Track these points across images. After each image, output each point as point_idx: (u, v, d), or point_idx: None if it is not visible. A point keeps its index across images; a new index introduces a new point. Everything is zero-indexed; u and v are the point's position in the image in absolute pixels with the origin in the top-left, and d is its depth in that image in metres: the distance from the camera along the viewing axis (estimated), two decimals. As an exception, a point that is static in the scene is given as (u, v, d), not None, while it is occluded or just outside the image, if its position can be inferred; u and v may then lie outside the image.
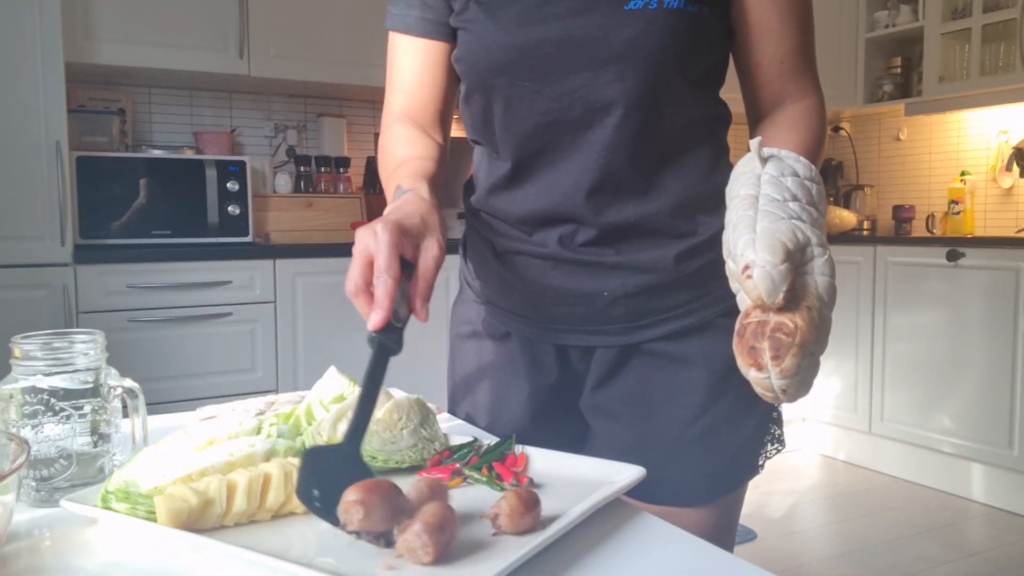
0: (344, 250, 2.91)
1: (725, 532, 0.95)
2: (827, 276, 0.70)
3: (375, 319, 0.66)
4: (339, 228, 3.23)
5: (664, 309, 0.91)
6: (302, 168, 3.31)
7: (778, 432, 0.98)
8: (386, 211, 0.78)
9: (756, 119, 0.93)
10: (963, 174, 3.75)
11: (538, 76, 0.84)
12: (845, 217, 3.94)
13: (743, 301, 0.71)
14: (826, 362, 3.68)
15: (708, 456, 0.91)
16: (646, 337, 0.92)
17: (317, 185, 3.32)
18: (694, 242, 0.90)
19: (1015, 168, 3.56)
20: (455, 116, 1.01)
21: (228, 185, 2.83)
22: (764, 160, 0.78)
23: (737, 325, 0.70)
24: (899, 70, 3.89)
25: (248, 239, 2.88)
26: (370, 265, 0.68)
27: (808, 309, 0.67)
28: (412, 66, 0.96)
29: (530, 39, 0.83)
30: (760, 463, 0.97)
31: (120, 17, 2.72)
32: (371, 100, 3.51)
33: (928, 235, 3.73)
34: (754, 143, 0.77)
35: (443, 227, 0.75)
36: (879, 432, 3.52)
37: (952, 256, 3.20)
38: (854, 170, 4.32)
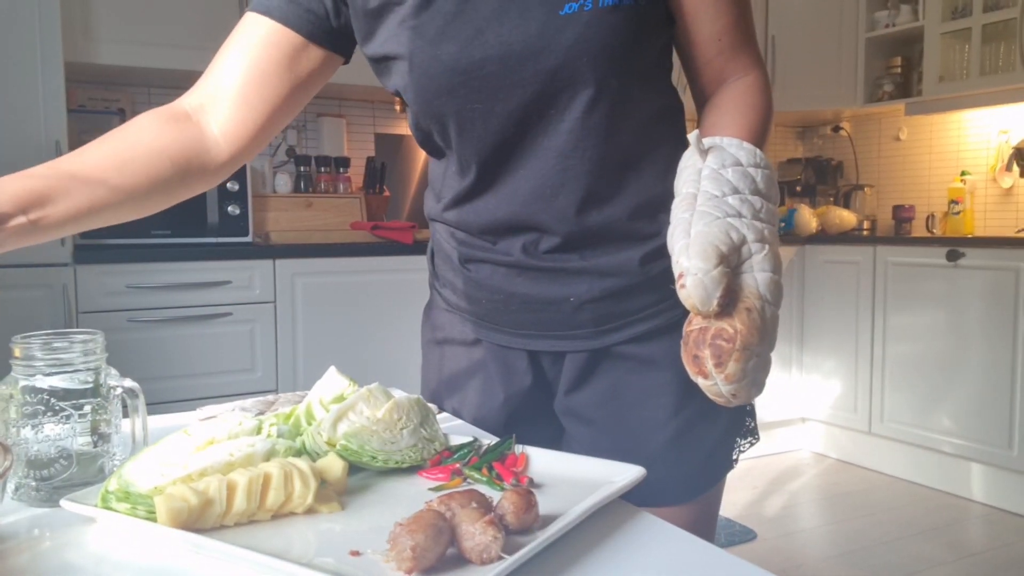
0: (344, 250, 2.92)
1: (706, 527, 0.96)
2: (767, 272, 0.69)
3: None
4: (339, 228, 3.22)
5: (631, 312, 0.90)
6: (302, 168, 3.31)
7: (751, 424, 0.98)
8: None
9: (701, 101, 0.91)
10: (963, 174, 3.75)
11: (487, 96, 0.83)
12: (845, 217, 3.94)
13: (681, 299, 0.69)
14: (825, 362, 3.69)
15: (684, 456, 0.91)
16: (615, 340, 0.91)
17: (317, 185, 3.32)
18: (658, 243, 0.89)
19: (1015, 168, 3.56)
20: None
21: (228, 185, 2.83)
22: (704, 153, 0.76)
23: (683, 332, 0.69)
24: (899, 70, 3.89)
25: (248, 239, 2.88)
26: None
27: (748, 311, 0.66)
28: (247, 50, 0.88)
29: (471, 60, 0.81)
30: (735, 457, 0.97)
31: (120, 17, 2.71)
32: (371, 100, 3.51)
33: (928, 235, 3.73)
34: (692, 137, 0.75)
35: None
36: (879, 432, 3.52)
37: (952, 256, 3.20)
38: (854, 170, 4.32)
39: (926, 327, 3.32)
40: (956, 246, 3.21)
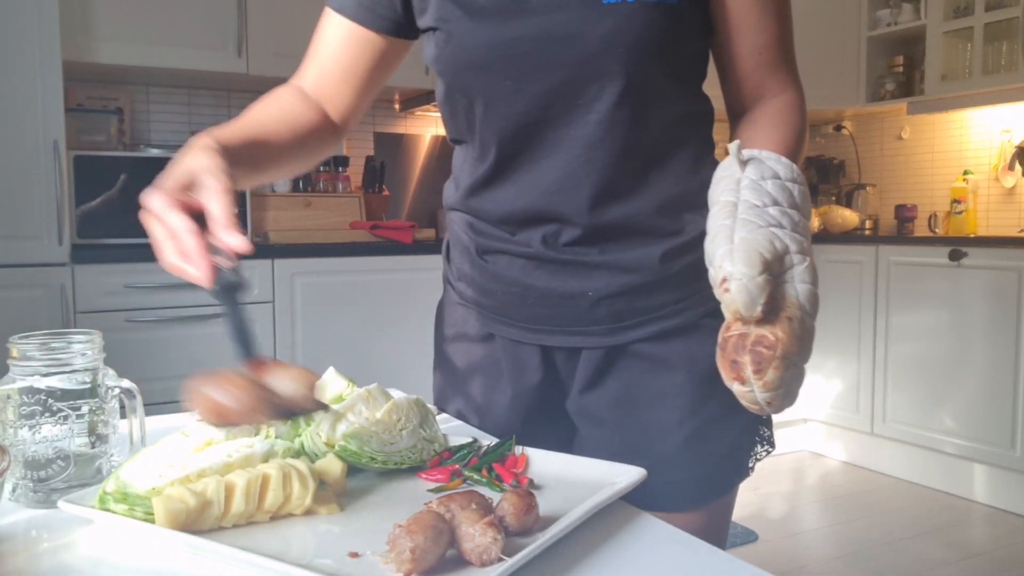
0: (343, 250, 2.92)
1: (716, 535, 0.94)
2: (808, 284, 0.69)
3: (203, 277, 0.68)
4: (338, 228, 3.22)
5: (649, 309, 0.90)
6: (302, 167, 3.30)
7: (767, 433, 0.97)
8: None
9: (736, 115, 0.92)
10: (965, 173, 3.75)
11: (518, 74, 0.84)
12: (847, 216, 3.93)
13: (723, 303, 0.70)
14: (827, 362, 3.68)
15: (697, 460, 0.91)
16: (631, 338, 0.91)
17: (316, 184, 3.32)
18: (680, 241, 0.89)
19: (1018, 167, 3.56)
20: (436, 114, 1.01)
21: (228, 184, 2.83)
22: (744, 163, 0.77)
23: (719, 338, 0.69)
24: (901, 69, 3.89)
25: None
26: (169, 233, 0.69)
27: (789, 320, 0.66)
28: (334, 43, 0.96)
29: (509, 36, 0.83)
30: (750, 465, 0.96)
31: (118, 16, 2.71)
32: (371, 99, 3.50)
33: (930, 235, 3.72)
34: (733, 146, 0.76)
35: (221, 165, 0.73)
36: (881, 433, 3.51)
37: (954, 256, 3.19)
38: (856, 169, 4.32)
39: (928, 327, 3.31)
40: (959, 246, 3.20)
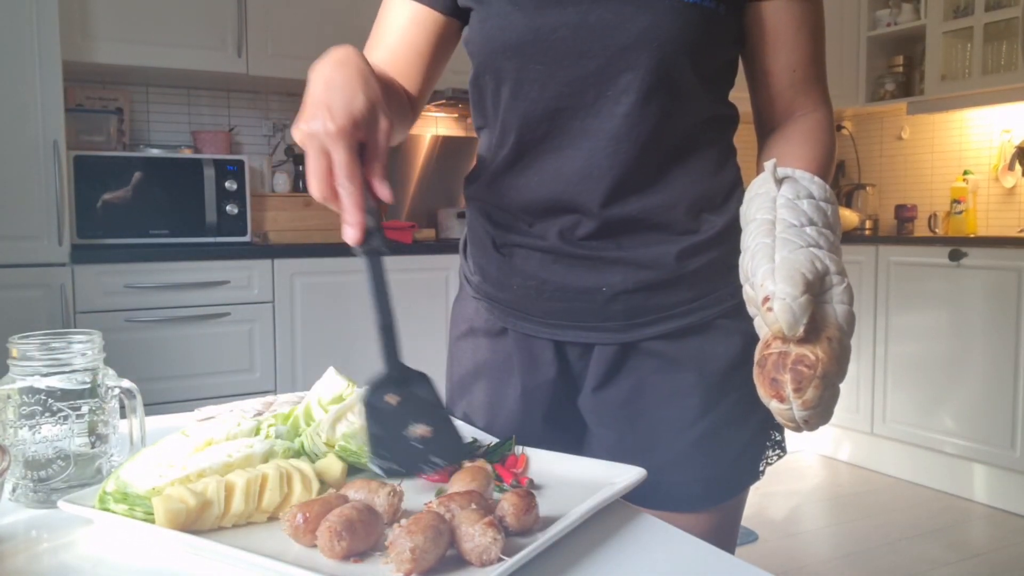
0: (343, 250, 2.89)
1: (725, 537, 0.94)
2: (846, 304, 0.70)
3: (353, 235, 0.68)
4: (338, 228, 3.17)
5: (664, 307, 0.90)
6: (300, 167, 3.30)
7: (779, 437, 0.97)
8: (323, 62, 0.74)
9: (766, 131, 0.93)
10: (965, 173, 3.75)
11: (551, 60, 0.84)
12: (847, 216, 3.93)
13: (761, 326, 0.71)
14: (827, 362, 3.68)
15: (707, 460, 0.90)
16: (645, 335, 0.91)
17: (317, 185, 3.31)
18: (697, 239, 0.89)
19: (1018, 167, 3.56)
20: (455, 114, 1.00)
21: (226, 184, 2.83)
22: (779, 182, 0.77)
23: (757, 355, 0.70)
24: (901, 69, 3.89)
25: (246, 239, 2.88)
26: (329, 167, 0.68)
27: (828, 340, 0.67)
28: (400, 26, 0.95)
29: (546, 22, 0.83)
30: (761, 469, 0.95)
31: (118, 16, 2.71)
32: (371, 99, 3.50)
33: (930, 235, 3.72)
34: (769, 164, 0.77)
35: (385, 96, 0.72)
36: (881, 433, 3.51)
37: (954, 256, 3.19)
38: (856, 169, 4.32)
39: (928, 327, 3.31)
40: (958, 246, 3.20)
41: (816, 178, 0.79)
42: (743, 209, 0.80)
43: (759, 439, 0.95)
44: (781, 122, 0.91)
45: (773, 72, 0.89)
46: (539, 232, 0.91)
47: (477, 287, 1.01)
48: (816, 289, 0.69)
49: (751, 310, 0.72)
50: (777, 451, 0.97)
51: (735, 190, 0.91)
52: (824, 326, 0.68)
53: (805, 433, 3.87)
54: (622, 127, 0.85)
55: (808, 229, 0.73)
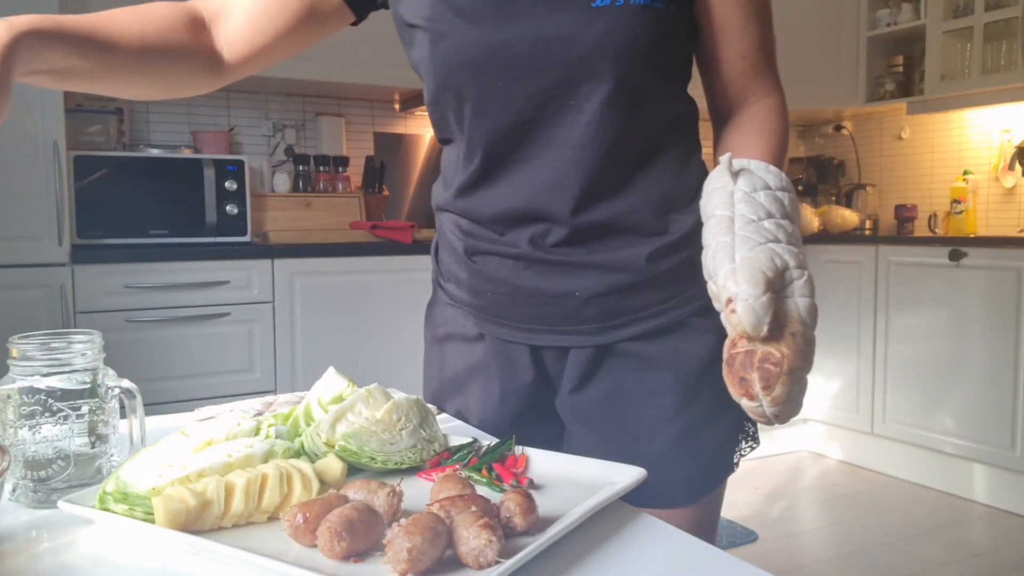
0: (343, 250, 2.91)
1: (707, 529, 0.96)
2: (807, 297, 0.71)
3: None
4: (338, 228, 3.22)
5: (637, 308, 0.90)
6: (300, 167, 3.30)
7: (752, 430, 0.98)
8: None
9: (720, 119, 0.93)
10: (965, 173, 3.75)
11: (511, 75, 0.84)
12: (847, 216, 3.93)
13: (727, 323, 0.72)
14: (827, 362, 3.68)
15: (686, 457, 0.91)
16: (620, 337, 0.91)
17: (315, 184, 3.32)
18: (666, 241, 0.89)
19: (1017, 167, 3.56)
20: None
21: (226, 184, 2.83)
22: (735, 175, 0.78)
23: (725, 354, 0.71)
24: (901, 68, 3.89)
25: (246, 239, 2.88)
26: None
27: (792, 336, 0.69)
28: None
29: (502, 37, 0.83)
30: (735, 461, 0.97)
31: (119, 16, 2.71)
32: (369, 99, 3.50)
33: (930, 235, 3.72)
34: (724, 159, 0.78)
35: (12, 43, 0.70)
36: (880, 433, 3.51)
37: (954, 256, 3.19)
38: (856, 169, 4.31)
39: (928, 327, 3.31)
40: (958, 246, 3.20)
41: (771, 167, 0.79)
42: (702, 203, 0.81)
43: (734, 432, 0.96)
44: (734, 110, 0.91)
45: (724, 61, 0.89)
46: (510, 240, 0.92)
47: (451, 294, 1.01)
48: (777, 286, 0.70)
49: (716, 306, 0.74)
50: (750, 443, 0.98)
51: (701, 188, 0.92)
52: (787, 321, 0.69)
53: (805, 432, 3.86)
54: (586, 135, 0.85)
55: (766, 223, 0.74)
